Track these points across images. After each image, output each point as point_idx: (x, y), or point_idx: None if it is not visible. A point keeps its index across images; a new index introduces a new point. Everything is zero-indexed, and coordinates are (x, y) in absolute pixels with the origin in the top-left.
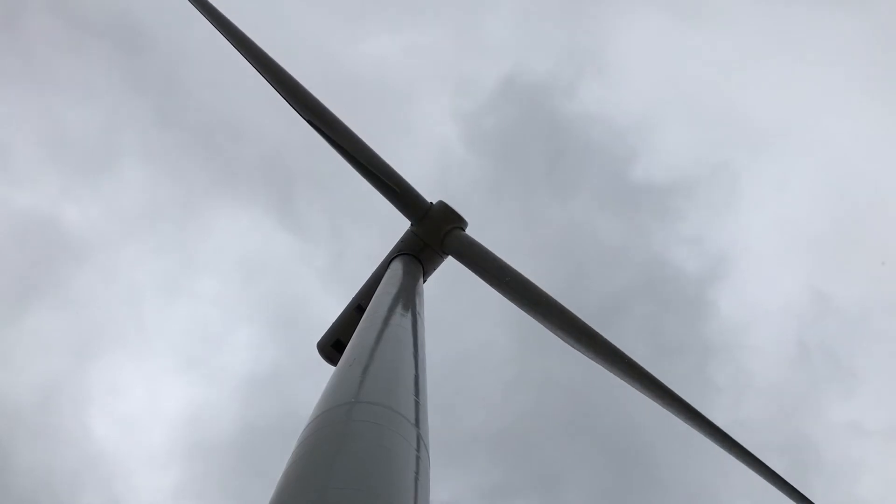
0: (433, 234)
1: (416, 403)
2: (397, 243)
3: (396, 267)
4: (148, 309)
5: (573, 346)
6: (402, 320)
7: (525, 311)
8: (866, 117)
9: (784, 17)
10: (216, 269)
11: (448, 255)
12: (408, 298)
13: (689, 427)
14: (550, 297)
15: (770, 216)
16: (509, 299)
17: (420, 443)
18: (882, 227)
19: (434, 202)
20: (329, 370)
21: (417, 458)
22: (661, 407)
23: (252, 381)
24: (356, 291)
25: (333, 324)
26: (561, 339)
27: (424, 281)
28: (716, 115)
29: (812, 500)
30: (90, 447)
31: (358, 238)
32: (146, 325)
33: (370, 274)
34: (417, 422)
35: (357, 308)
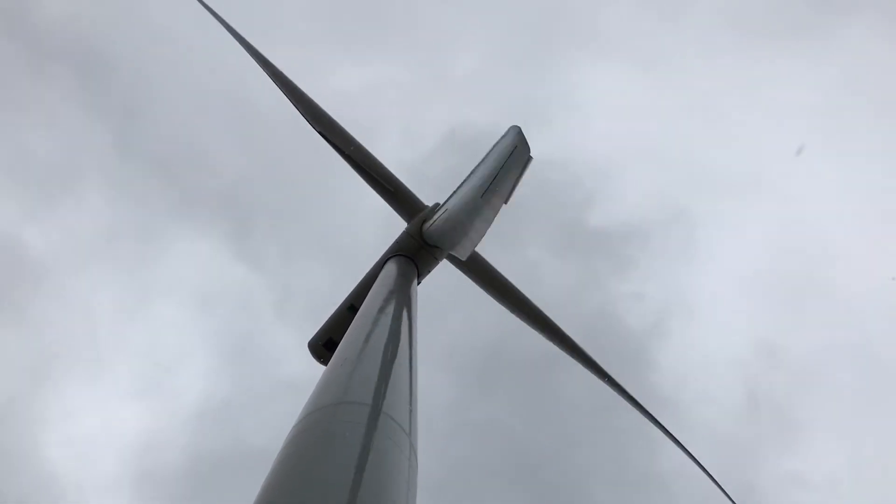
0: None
1: (409, 409)
2: (392, 244)
3: (391, 268)
4: (104, 333)
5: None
6: (395, 322)
7: (525, 323)
8: (821, 169)
9: (743, 69)
10: (172, 297)
11: (442, 256)
12: (401, 300)
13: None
14: (548, 317)
15: (723, 266)
16: (506, 307)
17: (411, 450)
18: (832, 280)
19: (433, 207)
20: (319, 369)
21: (409, 465)
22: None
23: (203, 410)
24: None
25: (325, 323)
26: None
27: (419, 282)
28: (674, 165)
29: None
30: (42, 469)
31: (311, 273)
32: (102, 349)
33: (362, 276)
34: (409, 428)
35: (350, 308)
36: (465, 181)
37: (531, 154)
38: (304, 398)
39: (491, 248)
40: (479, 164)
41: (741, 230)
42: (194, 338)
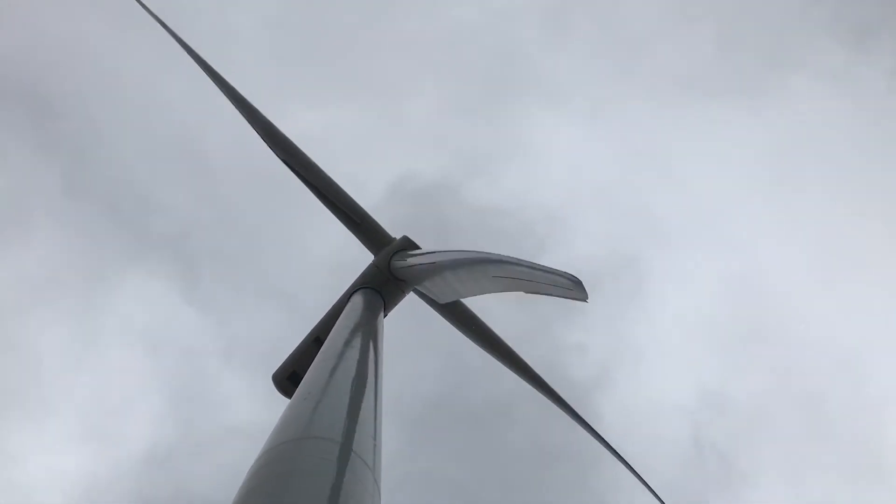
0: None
1: (373, 443)
2: (358, 277)
3: (357, 300)
4: (49, 377)
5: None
6: (360, 355)
7: (478, 346)
8: (767, 218)
9: (691, 119)
10: (120, 341)
11: (409, 289)
12: (367, 333)
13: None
14: (498, 337)
15: (671, 314)
16: (463, 333)
17: (374, 485)
18: (778, 326)
19: (398, 237)
20: (283, 403)
21: (371, 499)
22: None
23: (150, 456)
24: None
25: (290, 356)
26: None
27: (385, 315)
28: (624, 213)
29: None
30: None
31: (260, 317)
32: (47, 393)
33: (328, 309)
34: (372, 462)
35: (315, 340)
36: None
37: (587, 300)
38: (251, 444)
39: None
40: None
41: (689, 278)
42: (141, 382)
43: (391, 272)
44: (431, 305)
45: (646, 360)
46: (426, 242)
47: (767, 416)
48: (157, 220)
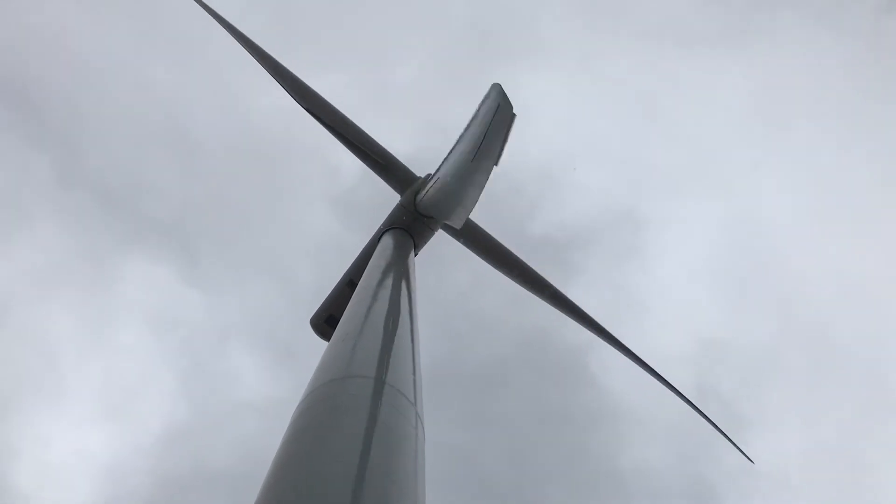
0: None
1: (413, 379)
2: (387, 217)
3: (387, 241)
4: (64, 364)
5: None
6: (394, 294)
7: (525, 288)
8: (759, 157)
9: (685, 65)
10: (127, 324)
11: (437, 226)
12: (399, 272)
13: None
14: (546, 281)
15: (672, 264)
16: (509, 277)
17: (417, 419)
18: (781, 274)
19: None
20: (322, 345)
21: (416, 434)
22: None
23: (166, 434)
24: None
25: (326, 300)
26: (559, 311)
27: (416, 254)
28: (618, 166)
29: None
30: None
31: (261, 292)
32: (63, 379)
33: (359, 251)
34: (414, 398)
35: (349, 283)
36: (454, 147)
37: (514, 111)
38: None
39: (434, 266)
40: (465, 129)
41: (689, 227)
42: (152, 363)
43: (417, 210)
44: (461, 241)
45: (647, 311)
46: None
47: (775, 357)
48: (151, 203)
